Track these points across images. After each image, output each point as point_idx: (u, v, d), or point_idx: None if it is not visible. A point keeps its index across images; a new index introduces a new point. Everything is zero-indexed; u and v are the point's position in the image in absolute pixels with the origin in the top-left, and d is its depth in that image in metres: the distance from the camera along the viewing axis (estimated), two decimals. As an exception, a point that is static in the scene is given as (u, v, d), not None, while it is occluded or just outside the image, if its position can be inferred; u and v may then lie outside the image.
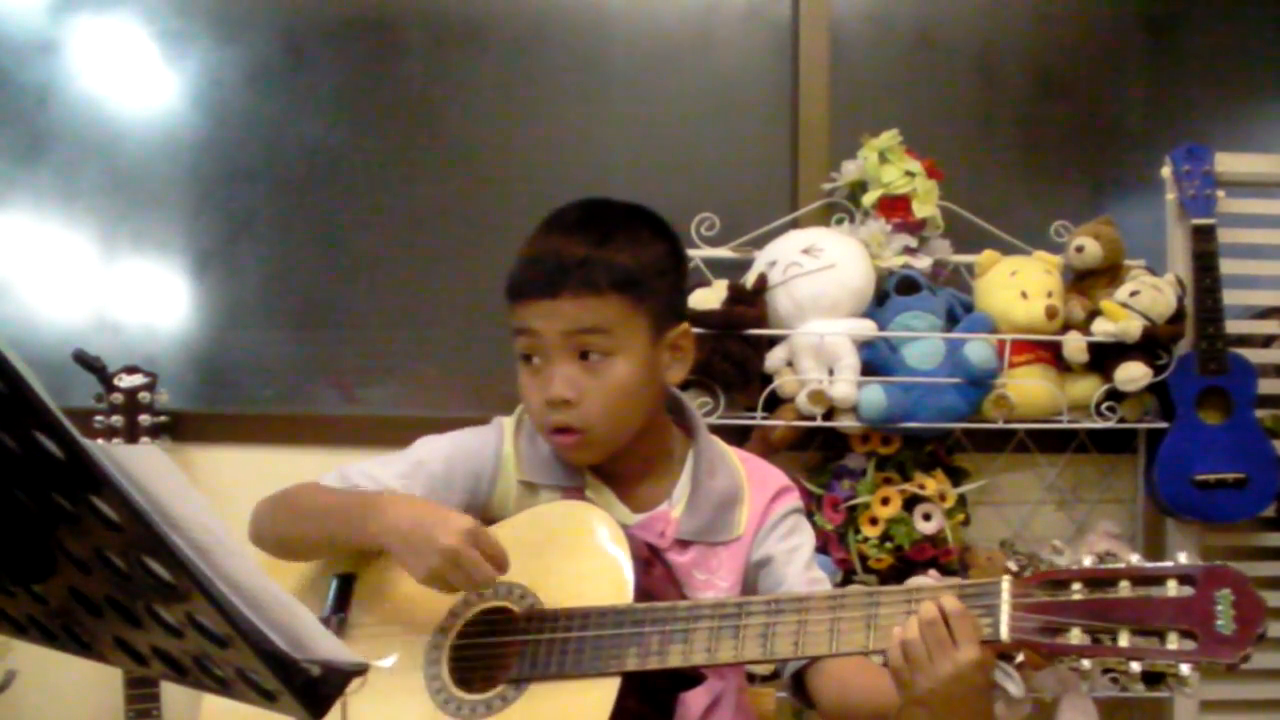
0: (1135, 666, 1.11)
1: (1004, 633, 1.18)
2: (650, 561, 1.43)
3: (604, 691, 1.31)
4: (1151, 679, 1.12)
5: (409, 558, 1.35)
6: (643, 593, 1.36)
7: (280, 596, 0.88)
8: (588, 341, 1.43)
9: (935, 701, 1.22)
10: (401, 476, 1.50)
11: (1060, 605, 1.15)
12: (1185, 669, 1.10)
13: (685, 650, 1.31)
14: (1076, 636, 1.14)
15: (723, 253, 2.53)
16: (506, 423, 1.57)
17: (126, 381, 2.25)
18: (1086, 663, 1.13)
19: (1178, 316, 2.46)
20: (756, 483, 1.56)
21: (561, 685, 1.34)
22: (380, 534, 1.39)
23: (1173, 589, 1.12)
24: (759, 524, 1.52)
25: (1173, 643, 1.10)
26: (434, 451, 1.54)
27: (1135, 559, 1.15)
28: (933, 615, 1.19)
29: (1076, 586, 1.15)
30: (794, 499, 1.57)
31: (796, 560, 1.51)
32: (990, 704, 1.31)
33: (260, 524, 1.53)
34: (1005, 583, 1.19)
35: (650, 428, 1.52)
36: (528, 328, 1.45)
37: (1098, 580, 1.15)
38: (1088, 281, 2.52)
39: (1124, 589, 1.13)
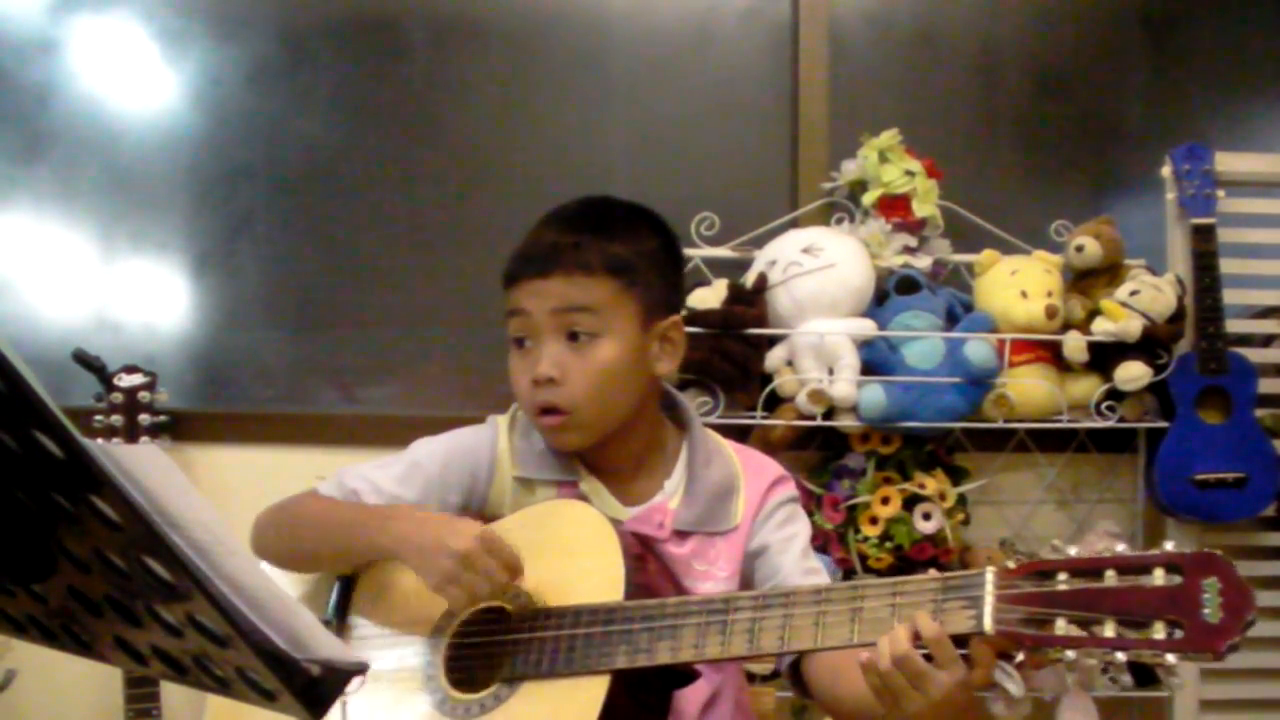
0: (1121, 656, 1.10)
1: (987, 624, 1.16)
2: (643, 556, 1.43)
3: (595, 690, 1.31)
4: (1146, 676, 1.11)
5: (422, 565, 1.37)
6: (639, 587, 1.37)
7: (280, 596, 0.88)
8: (575, 320, 1.45)
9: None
10: (398, 480, 1.51)
11: (1045, 596, 1.14)
12: (1171, 658, 1.08)
13: (673, 647, 1.32)
14: (1062, 627, 1.12)
15: (722, 252, 2.53)
16: (501, 420, 1.57)
17: (126, 381, 2.25)
18: (1071, 653, 1.12)
19: (1178, 316, 2.46)
20: (752, 472, 1.56)
21: (554, 684, 1.34)
22: (393, 544, 1.41)
23: (1160, 577, 1.10)
24: (755, 513, 1.53)
25: (1159, 632, 1.09)
26: (430, 453, 1.54)
27: (1122, 548, 1.13)
28: (904, 650, 1.18)
29: (1062, 576, 1.14)
30: (789, 488, 1.58)
31: (792, 549, 1.52)
32: (979, 711, 1.31)
33: (264, 537, 1.53)
34: (989, 574, 1.18)
35: (641, 420, 1.53)
36: (519, 308, 1.47)
37: (1084, 570, 1.13)
38: (1088, 281, 2.52)
39: (1110, 578, 1.12)
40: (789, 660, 1.47)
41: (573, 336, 1.46)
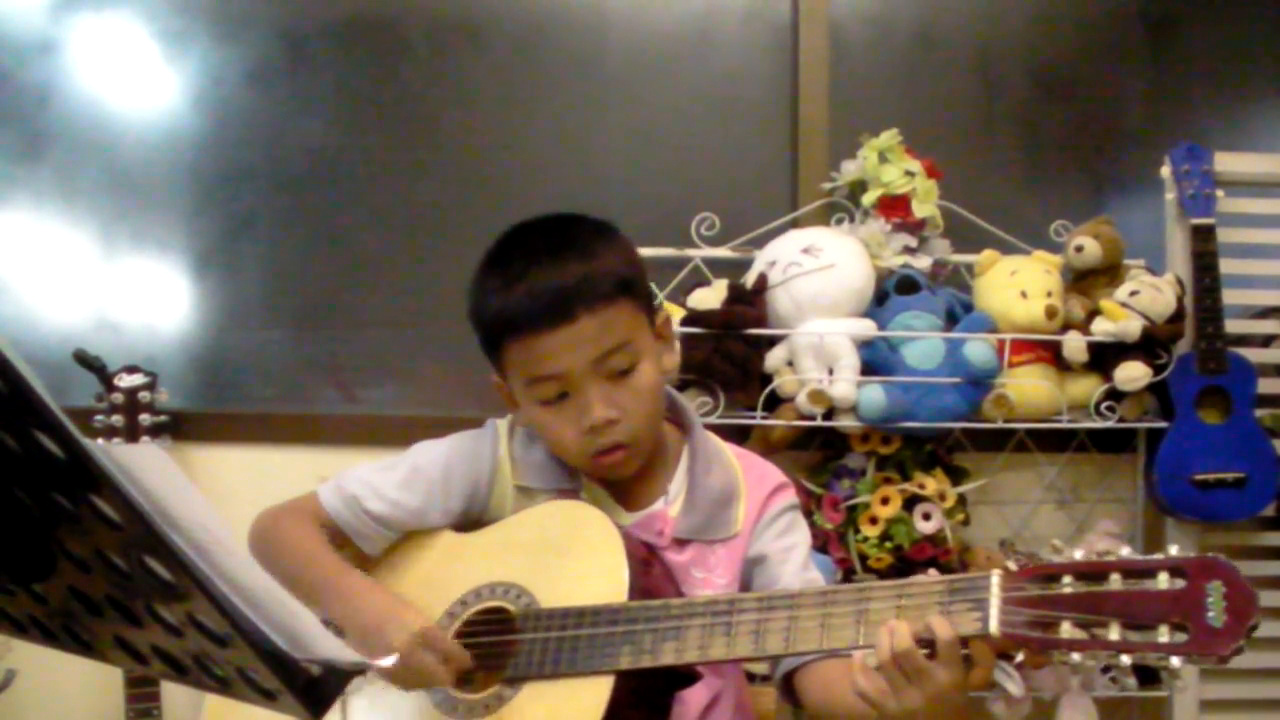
0: (1126, 660, 1.10)
1: (993, 627, 1.17)
2: (649, 560, 1.43)
3: (598, 690, 1.31)
4: (1147, 676, 1.11)
5: (364, 652, 1.33)
6: (643, 592, 1.36)
7: (280, 596, 0.88)
8: (616, 361, 1.42)
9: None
10: (400, 485, 1.50)
11: (1050, 599, 1.14)
12: (1176, 662, 1.09)
13: (678, 648, 1.31)
14: (1067, 630, 1.13)
15: (722, 252, 2.53)
16: (500, 426, 1.57)
17: (127, 381, 2.25)
18: (1076, 656, 1.12)
19: (1177, 316, 2.46)
20: (753, 479, 1.55)
21: (557, 684, 1.34)
22: (340, 620, 1.39)
23: (1164, 581, 1.10)
24: (755, 521, 1.52)
25: (1164, 635, 1.09)
26: (431, 457, 1.53)
27: (1126, 552, 1.14)
28: (906, 646, 1.19)
29: (1067, 580, 1.14)
30: (790, 495, 1.57)
31: (792, 559, 1.51)
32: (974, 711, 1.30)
33: (254, 547, 1.52)
34: (995, 577, 1.18)
35: None
36: (553, 373, 1.41)
37: (1088, 573, 1.14)
38: (1087, 281, 2.52)
39: (1115, 582, 1.12)
40: (782, 672, 1.47)
41: (616, 374, 1.43)
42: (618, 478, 1.49)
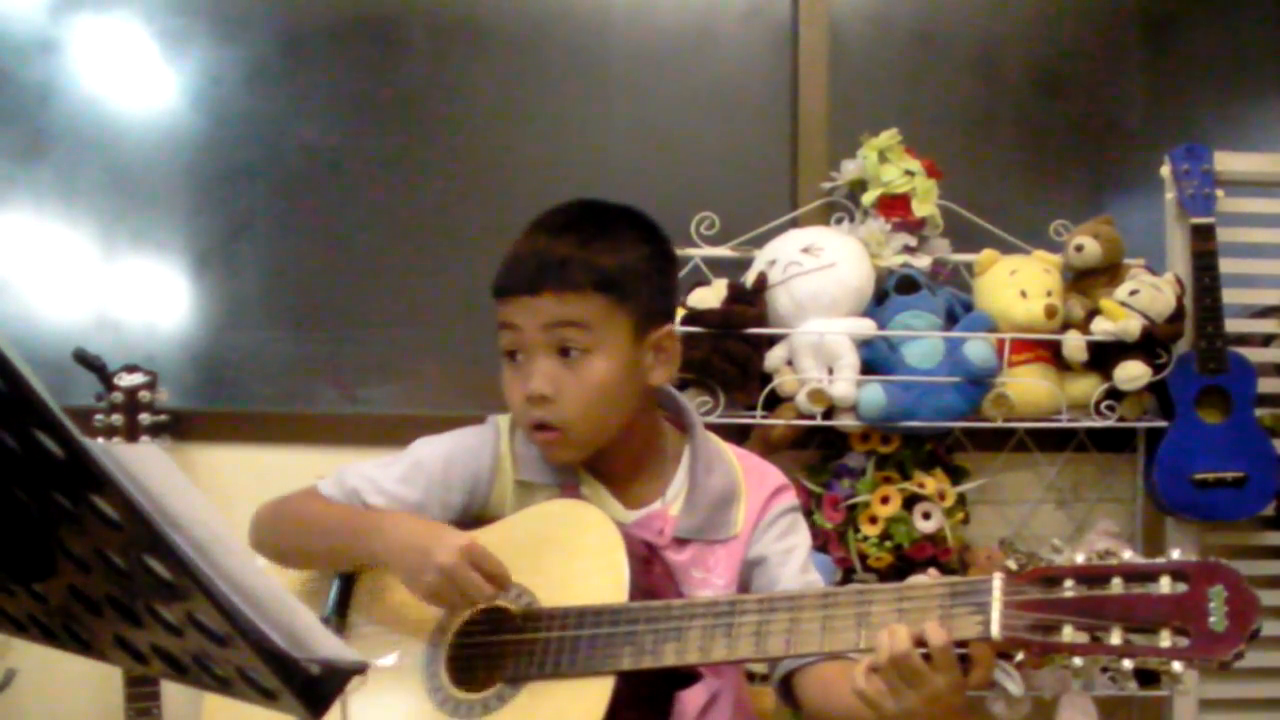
0: (1127, 664, 1.11)
1: (995, 631, 1.17)
2: (650, 560, 1.43)
3: (600, 690, 1.31)
4: (1147, 676, 1.12)
5: (409, 577, 1.39)
6: (644, 591, 1.36)
7: (280, 595, 0.88)
8: (567, 336, 1.43)
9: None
10: (401, 479, 1.50)
11: (1052, 602, 1.15)
12: (1178, 666, 1.09)
13: (679, 649, 1.31)
14: (1069, 634, 1.13)
15: (722, 252, 2.53)
16: (502, 422, 1.56)
17: (127, 380, 2.25)
18: (1078, 660, 1.12)
19: (1177, 315, 2.46)
20: (754, 481, 1.55)
21: (558, 684, 1.34)
22: (382, 553, 1.42)
23: (1166, 585, 1.11)
24: (755, 522, 1.52)
25: (1165, 640, 1.09)
26: (432, 452, 1.53)
27: (1129, 555, 1.14)
28: (904, 649, 1.19)
29: (1069, 583, 1.15)
30: (791, 497, 1.57)
31: (792, 562, 1.51)
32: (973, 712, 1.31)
33: (261, 532, 1.54)
34: (997, 580, 1.19)
35: (636, 427, 1.51)
36: (510, 322, 1.46)
37: (1090, 577, 1.14)
38: (1087, 280, 2.52)
39: (1117, 586, 1.13)
40: (780, 673, 1.47)
41: (564, 352, 1.44)
42: (555, 461, 1.50)
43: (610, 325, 1.44)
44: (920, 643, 1.20)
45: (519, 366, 1.47)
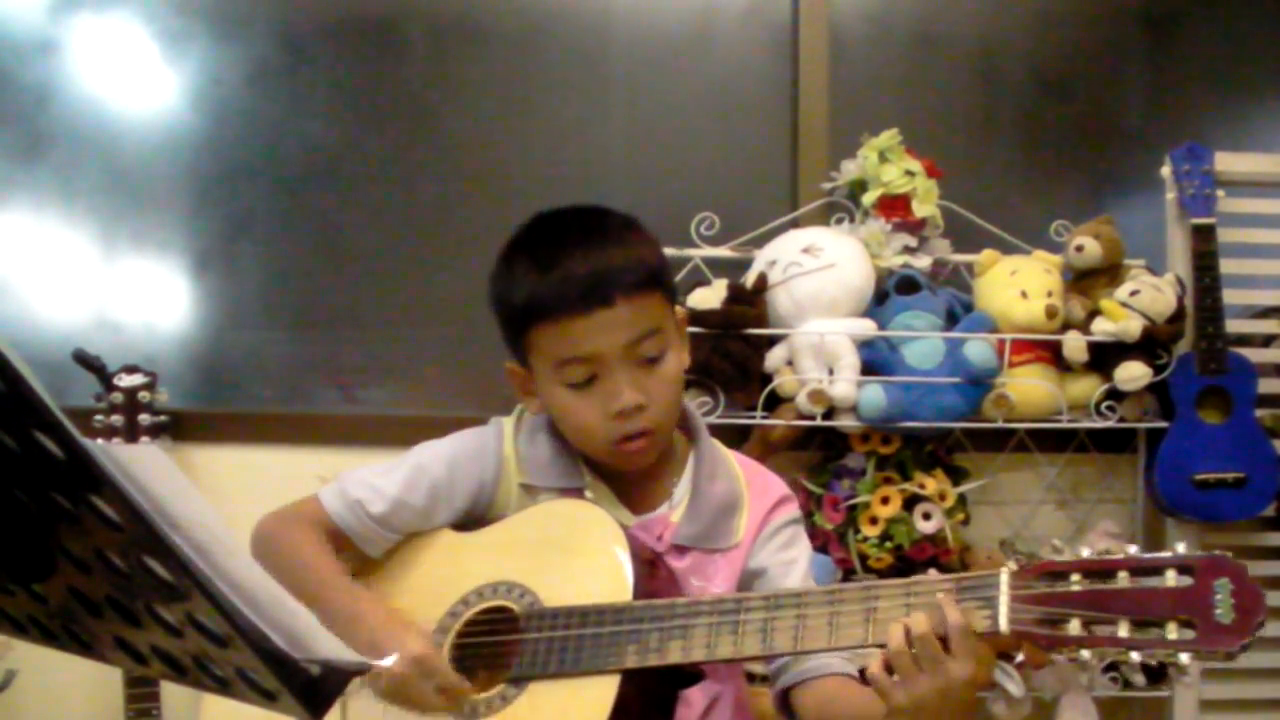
0: (1135, 656, 1.11)
1: (1003, 624, 1.17)
2: (654, 563, 1.42)
3: (604, 689, 1.31)
4: (1151, 672, 1.12)
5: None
6: (648, 594, 1.36)
7: (280, 596, 0.88)
8: (647, 347, 1.43)
9: (919, 713, 1.21)
10: (404, 485, 1.49)
11: (1059, 596, 1.15)
12: (1185, 658, 1.10)
13: (684, 647, 1.31)
14: (1075, 627, 1.14)
15: (722, 252, 2.53)
16: (506, 424, 1.56)
17: (126, 381, 2.25)
18: (1086, 653, 1.13)
19: (1177, 316, 2.46)
20: (757, 490, 1.54)
21: (562, 683, 1.34)
22: (349, 640, 1.36)
23: (1171, 579, 1.12)
24: (756, 532, 1.51)
25: (1172, 632, 1.10)
26: (435, 457, 1.52)
27: (1133, 550, 1.15)
28: (923, 630, 1.19)
29: (1075, 578, 1.15)
30: (793, 509, 1.56)
31: (793, 574, 1.50)
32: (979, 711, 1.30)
33: (256, 551, 1.49)
34: (1004, 574, 1.19)
35: None
36: (585, 354, 1.41)
37: (1096, 571, 1.15)
38: (1087, 281, 2.52)
39: (1122, 579, 1.13)
40: (779, 688, 1.47)
41: (647, 360, 1.43)
42: (636, 467, 1.49)
43: (668, 318, 1.47)
44: (938, 627, 1.19)
45: (593, 389, 1.43)
